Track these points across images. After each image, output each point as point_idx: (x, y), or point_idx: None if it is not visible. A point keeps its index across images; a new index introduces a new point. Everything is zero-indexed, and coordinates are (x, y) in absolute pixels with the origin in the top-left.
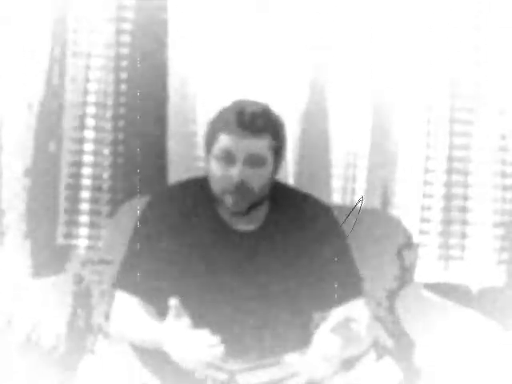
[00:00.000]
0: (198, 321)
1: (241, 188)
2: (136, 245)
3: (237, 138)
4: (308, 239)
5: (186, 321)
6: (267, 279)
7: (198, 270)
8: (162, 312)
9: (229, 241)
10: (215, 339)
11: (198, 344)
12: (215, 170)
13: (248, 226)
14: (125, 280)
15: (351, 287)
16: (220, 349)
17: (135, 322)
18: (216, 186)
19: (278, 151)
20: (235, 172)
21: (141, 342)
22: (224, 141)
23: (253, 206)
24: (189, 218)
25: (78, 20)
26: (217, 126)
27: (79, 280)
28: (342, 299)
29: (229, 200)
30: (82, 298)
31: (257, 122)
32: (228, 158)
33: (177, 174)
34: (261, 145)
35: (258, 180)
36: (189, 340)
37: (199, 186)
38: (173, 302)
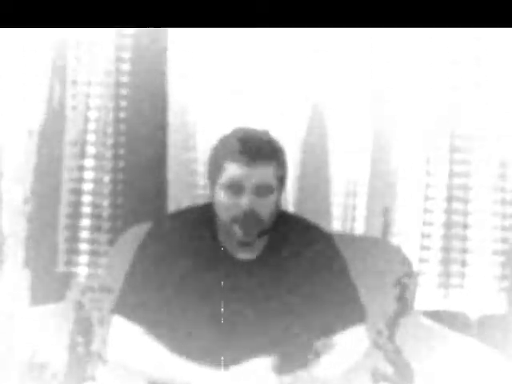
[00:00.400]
0: (199, 349)
1: (250, 217)
2: (136, 272)
3: (244, 167)
4: (308, 267)
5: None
6: (267, 307)
7: (198, 298)
8: (159, 340)
9: (229, 269)
10: None
11: None
12: (223, 199)
13: (248, 255)
14: (123, 306)
15: (352, 313)
16: None
17: (135, 349)
18: (224, 216)
19: (282, 179)
20: (244, 201)
21: (155, 376)
22: (231, 170)
23: (260, 235)
24: (189, 247)
25: (78, 48)
26: (221, 154)
27: (79, 307)
28: (343, 325)
29: (238, 230)
30: (82, 325)
31: (263, 150)
32: (236, 187)
33: (177, 201)
34: (268, 173)
35: (266, 209)
36: None
37: (200, 214)
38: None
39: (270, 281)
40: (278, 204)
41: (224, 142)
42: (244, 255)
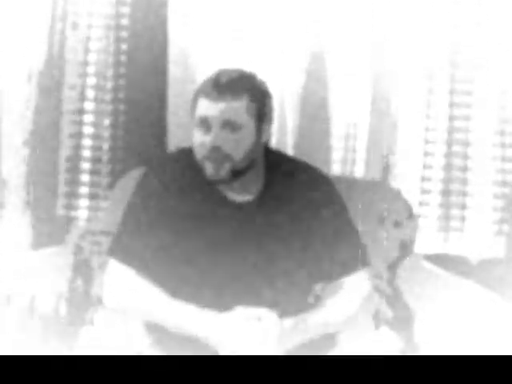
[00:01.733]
0: (196, 291)
1: (217, 154)
2: (131, 215)
3: (211, 102)
4: (307, 209)
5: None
6: (265, 250)
7: (194, 240)
8: (156, 283)
9: (225, 212)
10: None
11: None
12: (195, 137)
13: (245, 197)
14: (119, 249)
15: (355, 259)
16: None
17: (130, 291)
18: (197, 155)
19: (260, 115)
20: (210, 138)
21: (157, 320)
22: (201, 106)
23: (236, 174)
24: (184, 189)
25: None
26: (196, 93)
27: (79, 251)
28: (346, 271)
29: (208, 168)
30: (82, 268)
31: (232, 84)
32: (205, 123)
33: (177, 144)
34: (236, 108)
35: (235, 145)
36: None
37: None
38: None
39: (266, 223)
40: (254, 141)
41: (203, 82)
42: (239, 197)
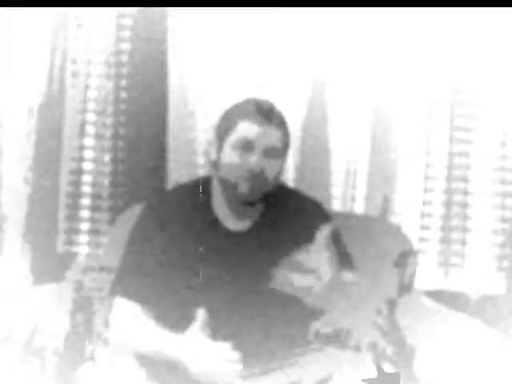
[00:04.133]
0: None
1: (258, 177)
2: (132, 250)
3: (258, 126)
4: (300, 235)
5: (207, 333)
6: (259, 278)
7: (192, 270)
8: (160, 316)
9: (222, 240)
10: (235, 355)
11: (217, 358)
12: (232, 157)
13: (242, 226)
14: (122, 285)
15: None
16: (238, 366)
17: (138, 328)
18: (231, 174)
19: (287, 148)
20: (255, 160)
21: (145, 350)
22: (244, 129)
23: (261, 199)
24: (183, 220)
25: (78, 27)
26: (235, 114)
27: (79, 287)
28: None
29: (243, 187)
30: (82, 305)
31: (276, 113)
32: (247, 146)
33: (176, 180)
34: (278, 136)
35: (272, 171)
36: (209, 353)
37: (194, 188)
38: (200, 313)
39: (261, 252)
40: (282, 170)
41: (238, 105)
42: (236, 226)
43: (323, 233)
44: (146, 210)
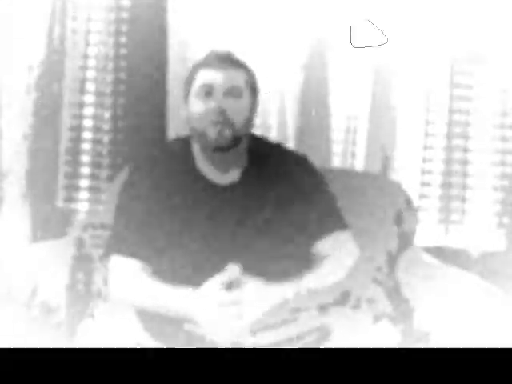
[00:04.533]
0: (190, 275)
1: (222, 117)
2: (122, 208)
3: (214, 70)
4: (287, 187)
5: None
6: (250, 226)
7: (182, 225)
8: (157, 270)
9: (210, 195)
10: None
11: (229, 318)
12: (196, 106)
13: (228, 179)
14: (116, 243)
15: (334, 220)
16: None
17: (137, 284)
18: (197, 123)
19: (254, 90)
20: (215, 102)
21: (150, 307)
22: (203, 75)
23: (235, 142)
24: (169, 177)
25: None
26: (196, 66)
27: (79, 244)
28: (325, 232)
29: (211, 132)
30: (82, 262)
31: (232, 57)
32: (208, 90)
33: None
34: (238, 76)
35: (237, 112)
36: (223, 309)
37: (178, 146)
38: (232, 268)
39: (250, 203)
40: (250, 113)
41: (197, 61)
42: (222, 180)
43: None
44: (133, 169)
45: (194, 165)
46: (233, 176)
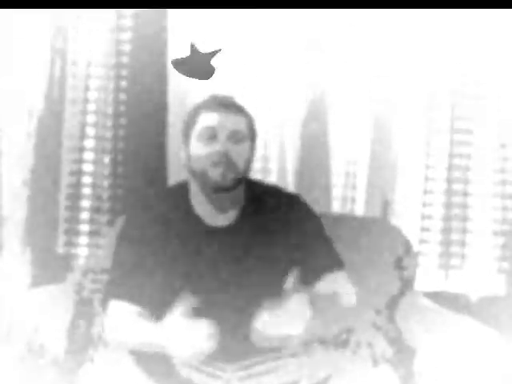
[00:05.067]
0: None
1: (226, 160)
2: (120, 254)
3: (218, 114)
4: (281, 227)
5: (187, 313)
6: (243, 270)
7: (179, 268)
8: (155, 314)
9: (206, 238)
10: (213, 329)
11: (196, 334)
12: (198, 148)
13: (225, 221)
14: (115, 288)
15: (330, 260)
16: (215, 340)
17: (131, 326)
18: (199, 165)
19: (253, 136)
20: (219, 145)
21: (139, 346)
22: (206, 119)
23: (237, 184)
24: (165, 222)
25: (78, 29)
26: (195, 110)
27: (79, 289)
28: (324, 270)
29: (213, 174)
30: (83, 306)
31: (234, 101)
32: (211, 133)
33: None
34: (240, 121)
35: (240, 155)
36: (187, 330)
37: (174, 191)
38: (184, 297)
39: (245, 245)
40: (250, 156)
41: (198, 104)
42: (218, 222)
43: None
44: (129, 215)
45: (191, 209)
46: (230, 217)
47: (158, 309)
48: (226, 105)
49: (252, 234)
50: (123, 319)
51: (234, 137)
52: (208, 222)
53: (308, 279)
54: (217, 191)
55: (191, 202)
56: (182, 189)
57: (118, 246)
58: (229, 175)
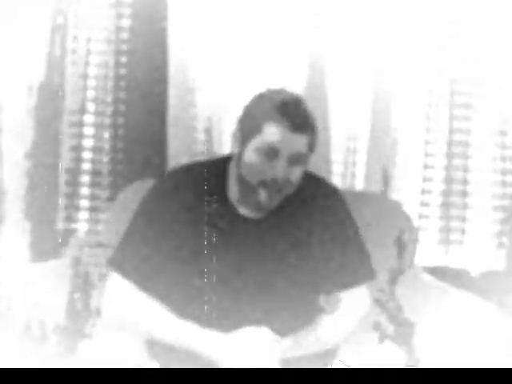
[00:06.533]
0: (200, 307)
1: (279, 185)
2: (136, 226)
3: (285, 133)
4: (316, 223)
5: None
6: (273, 265)
7: (201, 255)
8: (156, 298)
9: (236, 227)
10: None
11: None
12: (255, 160)
13: (258, 214)
14: (120, 261)
15: (360, 272)
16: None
17: (131, 306)
18: (252, 177)
19: (313, 147)
20: (279, 169)
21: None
22: (270, 134)
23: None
24: (195, 204)
25: (78, 4)
26: (260, 114)
27: (77, 263)
28: (353, 282)
29: (263, 196)
30: (81, 281)
31: (304, 118)
32: (272, 151)
33: (176, 157)
34: (304, 142)
35: (295, 177)
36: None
37: (208, 171)
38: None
39: (276, 238)
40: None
41: (263, 102)
42: (253, 214)
43: None
44: (154, 188)
45: (225, 192)
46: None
47: (168, 299)
48: (296, 122)
49: (285, 230)
50: (126, 298)
51: (294, 159)
52: (242, 212)
53: (335, 287)
54: (257, 209)
55: (227, 187)
56: (220, 169)
57: (136, 217)
58: (276, 198)
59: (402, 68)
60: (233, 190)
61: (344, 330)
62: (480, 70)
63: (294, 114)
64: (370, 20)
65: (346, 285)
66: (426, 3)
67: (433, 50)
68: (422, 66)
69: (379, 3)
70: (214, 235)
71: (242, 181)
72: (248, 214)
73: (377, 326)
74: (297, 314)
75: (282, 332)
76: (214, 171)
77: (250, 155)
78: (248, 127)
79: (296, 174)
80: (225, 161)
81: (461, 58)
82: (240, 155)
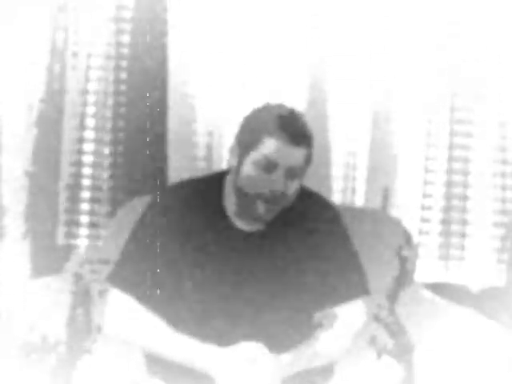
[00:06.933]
0: (198, 322)
1: (277, 199)
2: (134, 242)
3: (284, 146)
4: (313, 239)
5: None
6: (269, 279)
7: (199, 270)
8: (155, 313)
9: (233, 241)
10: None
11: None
12: (252, 173)
13: (254, 226)
14: (120, 277)
15: (356, 286)
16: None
17: (131, 321)
18: (250, 189)
19: (309, 160)
20: (278, 182)
21: (142, 346)
22: (268, 148)
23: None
24: (191, 218)
25: (78, 20)
26: (260, 129)
27: (78, 279)
28: (347, 297)
29: (260, 208)
30: (81, 297)
31: (303, 132)
32: (270, 166)
33: (177, 172)
34: (302, 155)
35: (292, 190)
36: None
37: (204, 186)
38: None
39: (273, 252)
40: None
41: (263, 116)
42: (250, 227)
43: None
44: (152, 204)
45: (221, 206)
46: (259, 224)
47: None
48: (295, 135)
49: (280, 243)
50: (127, 314)
51: (292, 172)
52: (239, 225)
53: (329, 302)
54: (255, 221)
55: (224, 201)
56: (216, 183)
57: (134, 233)
58: (274, 210)
59: (402, 84)
60: (229, 203)
61: (341, 345)
62: (481, 85)
63: (293, 127)
64: (370, 38)
65: (340, 300)
66: (426, 3)
67: (433, 65)
68: (422, 82)
69: (379, 3)
70: (212, 249)
71: (239, 193)
72: (244, 227)
73: (374, 341)
74: (294, 328)
75: (278, 347)
76: (211, 185)
77: (249, 168)
78: (247, 141)
79: (293, 187)
80: (221, 175)
81: (461, 73)
82: (238, 168)
